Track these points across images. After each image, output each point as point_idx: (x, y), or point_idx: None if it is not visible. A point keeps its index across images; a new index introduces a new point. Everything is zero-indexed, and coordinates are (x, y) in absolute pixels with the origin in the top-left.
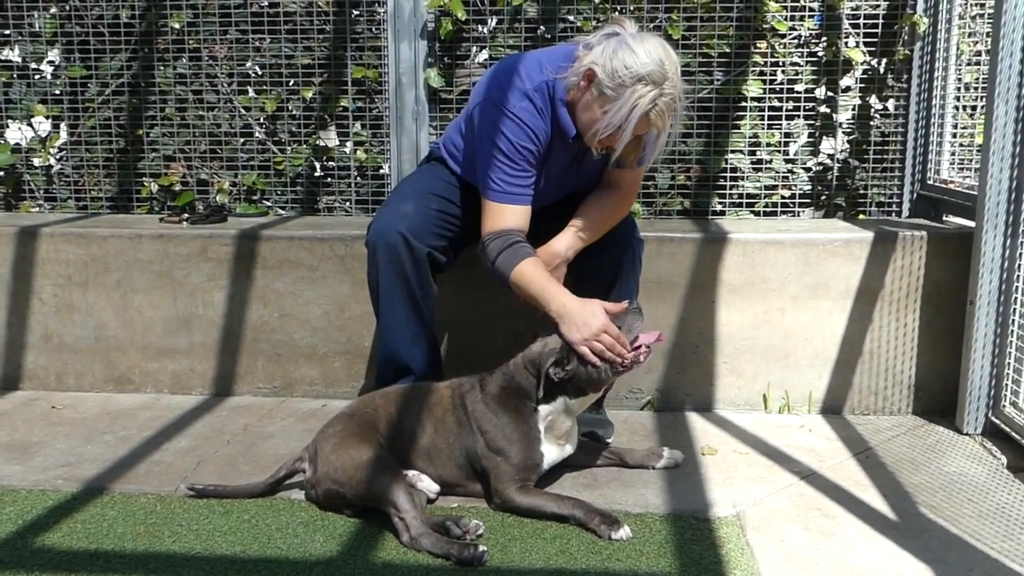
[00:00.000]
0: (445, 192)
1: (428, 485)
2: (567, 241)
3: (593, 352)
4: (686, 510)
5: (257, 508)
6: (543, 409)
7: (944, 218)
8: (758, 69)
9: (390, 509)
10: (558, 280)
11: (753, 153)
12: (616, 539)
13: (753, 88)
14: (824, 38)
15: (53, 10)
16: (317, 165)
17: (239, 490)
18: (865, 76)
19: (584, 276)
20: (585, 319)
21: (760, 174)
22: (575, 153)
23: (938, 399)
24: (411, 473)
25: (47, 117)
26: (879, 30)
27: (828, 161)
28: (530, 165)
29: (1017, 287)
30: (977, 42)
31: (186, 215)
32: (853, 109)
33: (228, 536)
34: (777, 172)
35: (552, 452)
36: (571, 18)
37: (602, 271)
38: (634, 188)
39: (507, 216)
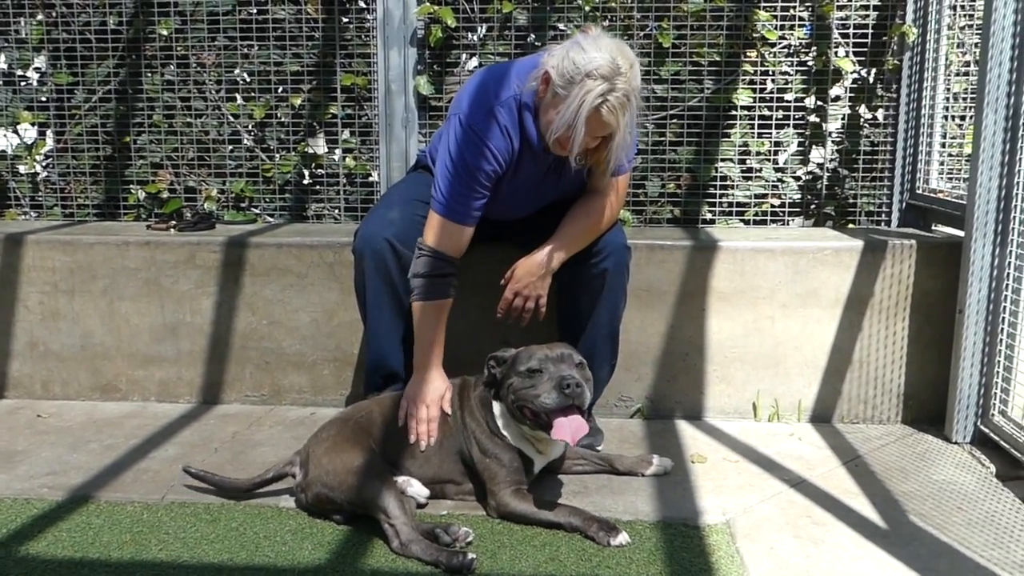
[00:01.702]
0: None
1: (418, 490)
2: (552, 251)
3: (404, 414)
4: (676, 517)
5: (245, 516)
6: (496, 407)
7: (933, 227)
8: (748, 78)
9: (380, 515)
10: (544, 287)
11: (743, 162)
12: (615, 545)
13: (743, 97)
14: (814, 47)
15: (39, 16)
16: (306, 172)
17: (226, 482)
18: (855, 86)
19: (572, 284)
20: (419, 387)
21: (750, 183)
22: (550, 164)
23: (927, 408)
24: (401, 479)
25: (33, 124)
26: (868, 40)
27: (818, 170)
28: (483, 187)
29: (1006, 296)
30: (966, 52)
31: (173, 222)
32: (843, 118)
33: (215, 544)
34: (767, 181)
35: (539, 459)
36: (561, 26)
37: (589, 280)
38: (622, 192)
39: (448, 235)
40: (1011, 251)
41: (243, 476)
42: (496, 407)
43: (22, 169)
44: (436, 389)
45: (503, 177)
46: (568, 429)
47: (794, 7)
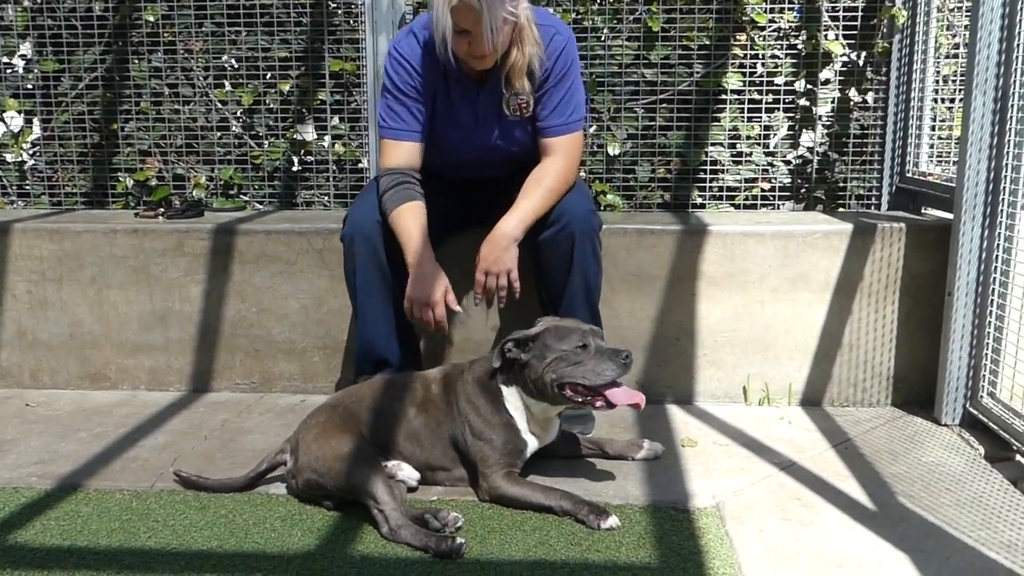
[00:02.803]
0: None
1: (408, 474)
2: (514, 220)
3: (408, 311)
4: (666, 501)
5: (234, 503)
6: (505, 391)
7: (923, 210)
8: (738, 62)
9: (369, 501)
10: (511, 259)
11: (733, 146)
12: (605, 528)
13: (733, 81)
14: (803, 31)
15: (25, 3)
16: (295, 159)
17: (221, 484)
18: (844, 69)
19: (543, 256)
20: (419, 285)
21: (740, 167)
22: (476, 97)
23: (916, 390)
24: (391, 463)
25: (19, 112)
26: (858, 23)
27: (808, 154)
28: (412, 100)
29: (995, 278)
30: (955, 35)
31: (162, 210)
32: (832, 102)
33: (204, 531)
34: (757, 165)
35: (531, 440)
36: (550, 10)
37: (557, 246)
38: (573, 153)
39: (396, 152)
40: (1000, 233)
41: (233, 464)
42: (509, 391)
43: (9, 157)
44: (438, 286)
45: (436, 106)
46: (627, 396)
47: None
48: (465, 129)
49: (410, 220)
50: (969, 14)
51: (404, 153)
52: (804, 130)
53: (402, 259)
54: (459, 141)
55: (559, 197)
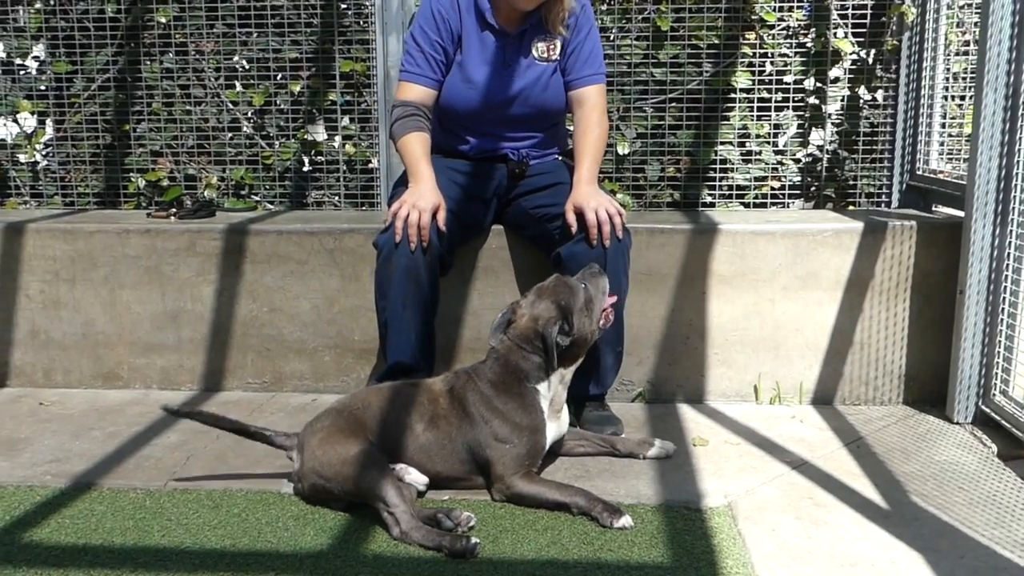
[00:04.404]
0: (443, 190)
1: (416, 478)
2: (586, 172)
3: (396, 210)
4: (678, 500)
5: (247, 502)
6: (542, 387)
7: (933, 208)
8: (747, 60)
9: (379, 504)
10: (605, 195)
11: (742, 145)
12: (618, 527)
13: (742, 79)
14: (813, 29)
15: (38, 5)
16: (305, 159)
17: (222, 419)
18: (854, 67)
19: (570, 265)
20: (422, 194)
21: (750, 166)
22: (507, 44)
23: (928, 389)
24: (399, 466)
25: (33, 113)
26: (868, 20)
27: (817, 152)
28: (434, 48)
29: (1006, 276)
30: (965, 32)
31: (174, 210)
32: (842, 100)
33: (217, 530)
34: (766, 163)
35: (552, 429)
36: None
37: (589, 260)
38: (604, 103)
39: (411, 91)
40: (1011, 231)
41: (246, 462)
42: (545, 384)
43: (22, 158)
44: (428, 198)
45: (460, 47)
46: (610, 298)
47: None
48: (493, 67)
49: (417, 146)
50: (979, 11)
51: (418, 93)
52: (814, 128)
53: (436, 271)
54: (486, 81)
55: (605, 142)
